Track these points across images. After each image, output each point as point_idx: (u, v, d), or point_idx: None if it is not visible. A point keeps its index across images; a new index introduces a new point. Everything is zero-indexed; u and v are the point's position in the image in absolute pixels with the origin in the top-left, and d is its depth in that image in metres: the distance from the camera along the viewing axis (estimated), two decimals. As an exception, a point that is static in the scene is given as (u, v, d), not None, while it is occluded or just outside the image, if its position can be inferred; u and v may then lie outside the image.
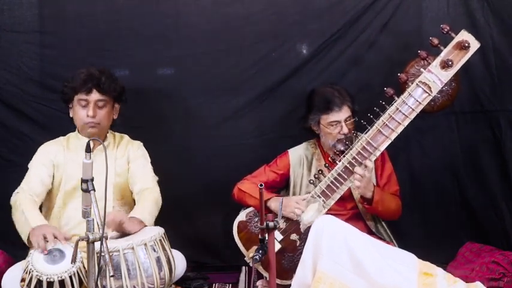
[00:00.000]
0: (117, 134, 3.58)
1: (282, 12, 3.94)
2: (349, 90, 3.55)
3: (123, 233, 3.18)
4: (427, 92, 3.29)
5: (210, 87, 3.99)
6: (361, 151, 3.32)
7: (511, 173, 3.77)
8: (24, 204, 3.24)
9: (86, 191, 2.65)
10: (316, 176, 3.43)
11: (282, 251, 3.39)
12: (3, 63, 3.88)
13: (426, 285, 3.08)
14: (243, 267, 3.88)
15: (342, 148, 3.40)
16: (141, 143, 3.59)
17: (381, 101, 3.32)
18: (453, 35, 3.27)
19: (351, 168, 3.33)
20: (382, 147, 3.32)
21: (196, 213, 4.06)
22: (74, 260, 2.76)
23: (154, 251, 3.07)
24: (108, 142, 3.45)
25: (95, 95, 3.34)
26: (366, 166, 3.29)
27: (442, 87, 3.30)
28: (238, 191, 3.59)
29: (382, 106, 3.32)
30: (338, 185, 3.36)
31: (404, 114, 3.30)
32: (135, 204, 3.41)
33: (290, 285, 3.26)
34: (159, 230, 3.17)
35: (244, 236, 3.50)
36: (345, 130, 3.42)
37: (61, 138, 3.52)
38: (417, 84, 3.30)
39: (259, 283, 3.56)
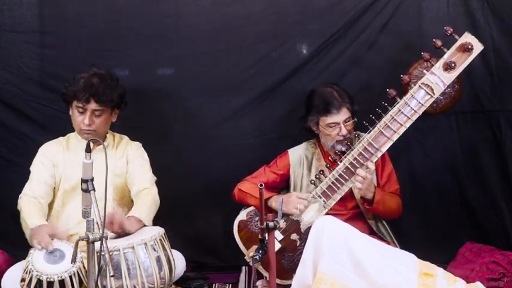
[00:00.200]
0: (116, 134, 3.58)
1: (282, 12, 3.94)
2: (349, 90, 3.55)
3: (123, 233, 3.18)
4: (430, 94, 3.29)
5: (210, 87, 3.98)
6: (362, 152, 3.33)
7: (511, 173, 3.76)
8: (24, 208, 3.26)
9: (86, 191, 2.65)
10: (317, 176, 3.43)
11: (282, 251, 3.39)
12: (3, 63, 3.88)
13: (426, 286, 3.08)
14: (243, 267, 3.88)
15: (343, 149, 3.40)
16: (140, 144, 3.59)
17: (383, 102, 3.32)
18: (456, 37, 3.28)
19: (352, 169, 3.33)
20: (384, 149, 3.33)
21: (196, 213, 4.06)
22: (74, 260, 2.75)
23: (155, 250, 3.07)
24: (107, 143, 3.45)
25: (92, 105, 3.32)
26: (367, 168, 3.29)
27: (444, 89, 3.30)
28: (239, 192, 3.59)
29: (383, 107, 3.32)
30: (339, 185, 3.36)
31: (406, 115, 3.30)
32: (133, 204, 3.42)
33: (290, 285, 3.26)
34: (159, 230, 3.17)
35: (244, 235, 3.50)
36: (344, 132, 3.42)
37: (61, 138, 3.53)
38: (420, 86, 3.30)
39: (259, 283, 3.56)
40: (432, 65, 3.30)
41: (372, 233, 3.50)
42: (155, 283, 3.04)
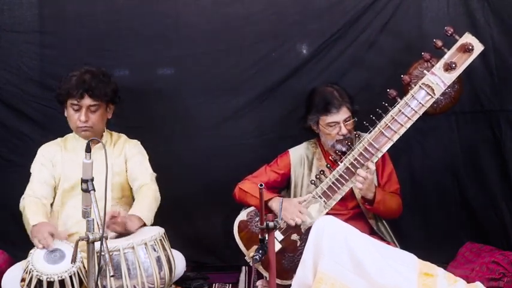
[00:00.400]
0: (114, 133, 3.58)
1: (282, 12, 3.94)
2: (349, 90, 3.55)
3: (124, 231, 3.18)
4: (430, 94, 3.30)
5: (210, 87, 3.98)
6: (363, 152, 3.33)
7: (511, 173, 3.76)
8: (26, 207, 3.26)
9: (86, 191, 2.65)
10: (318, 176, 3.43)
11: (283, 251, 3.39)
12: (3, 63, 3.88)
13: (426, 286, 3.08)
14: (243, 267, 3.88)
15: (343, 149, 3.40)
16: (138, 142, 3.59)
17: (383, 102, 3.33)
18: (457, 37, 3.28)
19: (352, 169, 3.33)
20: (384, 149, 3.33)
21: (196, 213, 4.06)
22: (74, 260, 2.76)
23: (155, 250, 3.07)
24: (104, 141, 3.45)
25: (87, 100, 3.34)
26: (368, 168, 3.29)
27: (445, 90, 3.30)
28: (240, 191, 3.59)
29: (384, 107, 3.32)
30: (339, 185, 3.36)
31: (407, 116, 3.30)
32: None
33: (290, 285, 3.26)
34: (159, 230, 3.17)
35: (244, 235, 3.49)
36: (344, 131, 3.42)
37: (59, 139, 3.54)
38: (420, 86, 3.30)
39: (259, 283, 3.56)
40: (433, 65, 3.30)
41: (372, 232, 3.50)
42: (155, 283, 3.04)
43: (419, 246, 3.61)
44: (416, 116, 3.31)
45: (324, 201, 3.39)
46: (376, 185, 3.45)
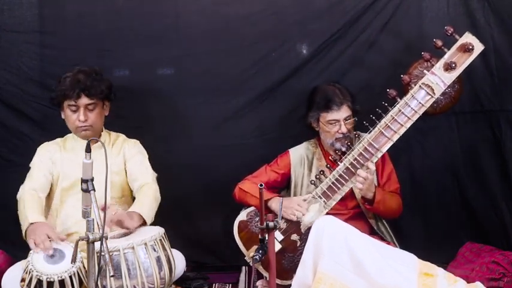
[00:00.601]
0: (112, 132, 3.59)
1: (282, 12, 3.94)
2: (349, 90, 3.55)
3: (123, 231, 3.18)
4: (430, 94, 3.29)
5: (210, 87, 3.98)
6: (362, 152, 3.33)
7: (511, 173, 3.76)
8: (26, 199, 3.26)
9: (86, 191, 2.65)
10: (318, 176, 3.43)
11: (283, 251, 3.39)
12: (3, 63, 3.87)
13: (426, 286, 3.08)
14: (243, 267, 3.88)
15: (343, 149, 3.40)
16: (137, 141, 3.59)
17: (383, 102, 3.33)
18: (457, 37, 3.27)
19: (352, 169, 3.33)
20: (384, 149, 3.33)
21: (196, 213, 4.06)
22: (74, 260, 2.76)
23: (155, 250, 3.07)
24: (103, 141, 3.45)
25: (83, 100, 3.35)
26: (368, 168, 3.29)
27: (445, 90, 3.30)
28: (240, 191, 3.60)
29: (384, 107, 3.33)
30: (339, 185, 3.36)
31: (406, 116, 3.30)
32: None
33: (290, 285, 3.26)
34: (159, 230, 3.17)
35: (244, 235, 3.50)
36: (344, 129, 3.43)
37: (58, 139, 3.55)
38: (420, 86, 3.30)
39: (259, 283, 3.56)
40: (433, 65, 3.30)
41: (372, 232, 3.50)
42: (155, 283, 3.04)
43: (419, 246, 3.61)
44: (416, 116, 3.31)
45: (324, 201, 3.39)
46: (376, 184, 3.45)
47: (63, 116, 3.44)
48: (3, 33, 3.86)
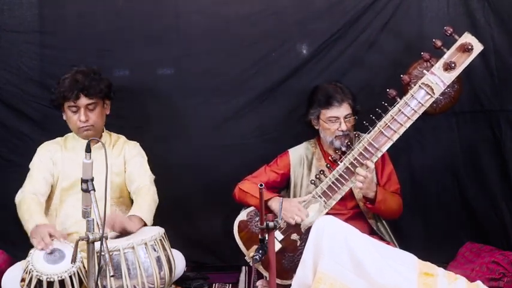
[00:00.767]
0: (113, 134, 3.59)
1: (282, 12, 3.94)
2: (350, 89, 3.56)
3: (124, 232, 3.18)
4: (430, 94, 3.30)
5: (210, 87, 3.98)
6: (362, 152, 3.33)
7: (511, 173, 3.76)
8: (29, 202, 3.25)
9: (86, 191, 2.65)
10: (318, 176, 3.43)
11: (283, 251, 3.39)
12: (3, 63, 3.87)
13: (426, 285, 3.08)
14: (243, 267, 3.89)
15: (343, 148, 3.40)
16: (137, 143, 3.60)
17: (383, 102, 3.33)
18: (456, 37, 3.28)
19: (352, 169, 3.33)
20: (384, 149, 3.33)
21: (196, 213, 4.05)
22: (74, 260, 2.76)
23: (155, 250, 3.07)
24: (103, 142, 3.45)
25: (83, 100, 3.35)
26: (367, 167, 3.29)
27: (444, 89, 3.30)
28: (239, 191, 3.60)
29: (384, 107, 3.33)
30: (339, 185, 3.36)
31: (406, 115, 3.30)
32: (132, 203, 3.42)
33: (290, 285, 3.26)
34: (159, 230, 3.18)
35: (244, 235, 3.50)
36: (343, 127, 3.43)
37: (59, 138, 3.55)
38: (420, 86, 3.30)
39: (259, 283, 3.56)
40: (432, 65, 3.30)
41: (372, 232, 3.50)
42: (155, 283, 3.04)
43: (419, 246, 3.62)
44: (416, 116, 3.31)
45: (324, 201, 3.39)
46: (377, 184, 3.45)
47: (64, 118, 3.45)
48: (3, 33, 3.86)
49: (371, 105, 3.37)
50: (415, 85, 3.32)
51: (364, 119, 3.36)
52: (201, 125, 4.00)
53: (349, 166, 3.34)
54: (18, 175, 3.49)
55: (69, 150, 3.47)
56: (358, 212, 3.55)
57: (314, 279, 3.10)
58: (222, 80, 3.97)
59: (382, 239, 3.49)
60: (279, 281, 3.26)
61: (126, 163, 3.50)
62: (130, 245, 3.01)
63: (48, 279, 2.87)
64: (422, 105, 3.30)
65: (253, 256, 2.67)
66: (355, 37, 3.91)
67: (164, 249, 3.13)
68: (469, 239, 3.86)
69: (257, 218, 3.47)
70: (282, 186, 3.69)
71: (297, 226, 3.41)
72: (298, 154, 3.64)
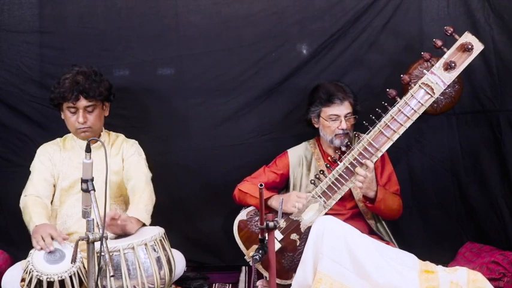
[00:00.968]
0: (112, 132, 3.59)
1: (282, 12, 3.93)
2: (351, 89, 3.56)
3: (123, 233, 3.18)
4: (430, 94, 3.30)
5: (210, 87, 3.98)
6: (362, 152, 3.33)
7: (511, 173, 3.76)
8: (31, 206, 3.25)
9: (86, 191, 2.65)
10: (317, 176, 3.43)
11: (282, 251, 3.39)
12: (3, 63, 3.87)
13: (428, 280, 3.08)
14: (243, 267, 3.89)
15: (343, 148, 3.40)
16: (136, 141, 3.59)
17: (382, 102, 3.33)
18: (457, 36, 3.28)
19: (352, 169, 3.33)
20: (384, 148, 3.33)
21: (196, 213, 4.05)
22: (74, 260, 2.76)
23: (155, 250, 3.07)
24: (102, 140, 3.45)
25: (82, 102, 3.35)
26: (366, 167, 3.29)
27: (444, 89, 3.30)
28: (239, 192, 3.60)
29: (383, 107, 3.33)
30: (339, 185, 3.36)
31: (406, 115, 3.30)
32: (130, 201, 3.44)
33: (290, 285, 3.26)
34: (159, 230, 3.18)
35: (244, 235, 3.50)
36: (344, 126, 3.44)
37: (58, 139, 3.55)
38: (420, 85, 3.30)
39: (259, 283, 3.56)
40: (432, 65, 3.30)
41: (371, 232, 3.50)
42: (155, 283, 3.04)
43: (419, 246, 3.62)
44: (416, 116, 3.31)
45: (324, 200, 3.39)
46: (377, 183, 3.45)
47: (62, 117, 3.45)
48: (3, 33, 3.86)
49: (371, 105, 3.37)
50: (415, 85, 3.32)
51: (364, 119, 3.36)
52: (201, 125, 4.00)
53: (349, 166, 3.34)
54: (18, 175, 3.49)
55: (68, 150, 3.48)
56: (357, 212, 3.55)
57: (314, 279, 3.10)
58: (222, 80, 3.97)
59: (381, 239, 3.49)
60: (278, 281, 3.26)
61: (124, 161, 3.50)
62: (130, 245, 3.01)
63: (48, 279, 2.87)
64: (422, 105, 3.30)
65: (253, 256, 2.67)
66: (355, 37, 3.91)
67: (164, 249, 3.13)
68: (469, 239, 3.87)
69: (257, 218, 3.47)
70: (282, 186, 3.69)
71: (297, 226, 3.41)
72: (297, 154, 3.65)
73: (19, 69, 3.88)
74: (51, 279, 2.87)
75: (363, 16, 3.88)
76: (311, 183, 3.46)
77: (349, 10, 3.89)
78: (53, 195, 3.44)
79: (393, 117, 3.31)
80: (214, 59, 3.96)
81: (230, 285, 3.83)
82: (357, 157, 3.33)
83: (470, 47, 3.25)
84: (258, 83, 3.96)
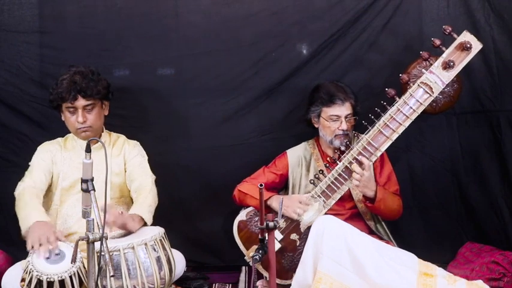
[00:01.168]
0: (113, 133, 3.59)
1: (282, 12, 3.94)
2: (352, 89, 3.56)
3: (124, 230, 3.18)
4: (429, 93, 3.29)
5: (210, 87, 3.98)
6: (362, 151, 3.33)
7: (511, 173, 3.76)
8: (28, 197, 3.24)
9: (86, 191, 2.65)
10: (317, 176, 3.43)
11: (282, 251, 3.39)
12: (3, 63, 3.87)
13: (426, 286, 3.08)
14: (243, 267, 3.89)
15: (342, 147, 3.40)
16: (138, 142, 3.60)
17: (382, 101, 3.33)
18: (455, 35, 3.27)
19: (351, 169, 3.33)
20: (383, 148, 3.33)
21: (196, 213, 4.05)
22: (74, 260, 2.76)
23: (155, 250, 3.07)
24: (103, 141, 3.45)
25: (81, 101, 3.35)
26: (361, 163, 3.28)
27: (443, 88, 3.30)
28: (239, 193, 3.60)
29: (383, 106, 3.33)
30: (338, 185, 3.36)
31: (405, 114, 3.30)
32: (132, 202, 3.42)
33: (290, 285, 3.26)
34: (160, 230, 3.18)
35: (244, 235, 3.50)
36: (344, 126, 3.44)
37: (59, 139, 3.55)
38: (418, 84, 3.30)
39: (259, 283, 3.56)
40: (431, 64, 3.30)
41: (370, 232, 3.50)
42: (155, 283, 3.04)
43: (419, 246, 3.62)
44: (415, 115, 3.31)
45: (324, 200, 3.39)
46: (376, 183, 3.45)
47: (63, 118, 3.45)
48: (3, 33, 3.86)
49: (371, 106, 3.37)
50: (414, 84, 3.32)
51: (364, 119, 3.36)
52: (201, 125, 4.00)
53: (348, 166, 3.34)
54: (17, 175, 3.48)
55: (69, 151, 3.48)
56: (356, 213, 3.55)
57: (314, 279, 3.10)
58: (222, 80, 3.97)
59: (381, 238, 3.49)
60: (278, 281, 3.26)
61: (127, 163, 3.50)
62: (130, 245, 3.01)
63: (48, 279, 2.86)
64: (421, 104, 3.30)
65: (253, 256, 2.67)
66: (355, 37, 3.91)
67: (164, 249, 3.13)
68: (469, 239, 3.87)
69: (256, 218, 3.47)
70: (281, 187, 3.69)
71: (297, 225, 3.41)
72: (296, 155, 3.65)
73: (19, 69, 3.88)
74: (51, 279, 2.86)
75: (363, 16, 3.89)
76: (310, 183, 3.46)
77: (349, 10, 3.89)
78: (50, 195, 3.44)
79: (392, 116, 3.31)
80: (214, 59, 3.96)
81: (230, 285, 3.83)
82: (356, 157, 3.33)
83: (468, 45, 3.25)
84: (258, 83, 3.97)
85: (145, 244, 3.05)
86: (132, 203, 3.42)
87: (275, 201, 3.44)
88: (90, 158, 2.66)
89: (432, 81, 3.29)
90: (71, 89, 3.32)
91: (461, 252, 3.77)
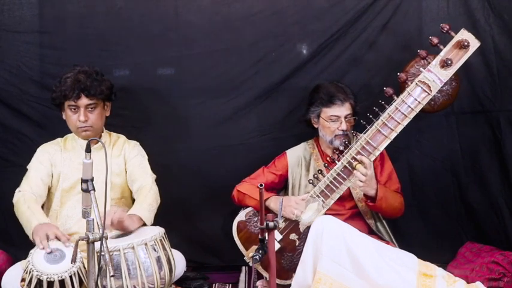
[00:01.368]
0: (113, 133, 3.59)
1: (282, 12, 3.94)
2: (352, 90, 3.56)
3: (123, 231, 3.18)
4: (427, 92, 3.29)
5: (210, 87, 3.98)
6: (360, 151, 3.33)
7: (511, 173, 3.76)
8: (29, 201, 3.25)
9: (86, 191, 2.65)
10: (316, 175, 3.43)
11: (281, 251, 3.39)
12: (3, 63, 3.87)
13: (425, 286, 3.08)
14: (243, 267, 3.89)
15: (341, 147, 3.40)
16: (138, 143, 3.60)
17: (380, 101, 3.33)
18: (453, 34, 3.27)
19: (350, 168, 3.33)
20: (382, 147, 3.32)
21: (196, 213, 4.05)
22: (74, 260, 2.76)
23: (155, 250, 3.07)
24: (103, 141, 3.45)
25: (84, 100, 3.35)
26: (362, 162, 3.28)
27: (441, 87, 3.30)
28: (238, 193, 3.60)
29: (381, 106, 3.33)
30: (337, 184, 3.36)
31: (403, 113, 3.30)
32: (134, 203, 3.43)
33: (290, 285, 3.26)
34: (160, 230, 3.18)
35: (243, 235, 3.50)
36: (344, 127, 3.44)
37: (59, 139, 3.55)
38: (416, 83, 3.30)
39: (259, 283, 3.56)
40: (429, 63, 3.30)
41: (370, 232, 3.50)
42: (155, 283, 3.04)
43: (419, 246, 3.62)
44: (413, 114, 3.30)
45: (323, 200, 3.39)
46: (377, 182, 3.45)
47: (64, 117, 3.45)
48: (3, 33, 3.86)
49: (370, 105, 3.37)
50: (411, 83, 3.31)
51: (363, 118, 3.36)
52: (201, 125, 4.00)
53: (347, 165, 3.34)
54: (17, 175, 3.48)
55: (69, 151, 3.48)
56: (356, 212, 3.55)
57: (314, 279, 3.10)
58: (222, 80, 3.97)
59: (381, 239, 3.49)
60: (278, 281, 3.26)
61: (127, 163, 3.50)
62: (130, 245, 3.01)
63: (48, 279, 2.87)
64: (419, 102, 3.30)
65: (253, 256, 2.67)
66: (355, 37, 3.91)
67: (164, 249, 3.13)
68: (469, 239, 3.86)
69: (255, 219, 3.47)
70: (280, 187, 3.69)
71: (296, 226, 3.41)
72: (296, 155, 3.65)
73: (19, 69, 3.88)
74: (51, 279, 2.87)
75: (362, 16, 3.88)
76: (309, 183, 3.46)
77: (349, 10, 3.89)
78: (50, 196, 3.44)
79: (390, 115, 3.31)
80: (214, 59, 3.96)
81: (230, 285, 3.83)
82: (355, 156, 3.33)
83: (466, 44, 3.25)
84: (258, 83, 3.97)
85: (146, 244, 3.05)
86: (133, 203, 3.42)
87: (273, 202, 3.44)
88: (90, 158, 2.66)
89: (430, 79, 3.29)
90: (75, 87, 3.32)
91: (461, 252, 3.77)
